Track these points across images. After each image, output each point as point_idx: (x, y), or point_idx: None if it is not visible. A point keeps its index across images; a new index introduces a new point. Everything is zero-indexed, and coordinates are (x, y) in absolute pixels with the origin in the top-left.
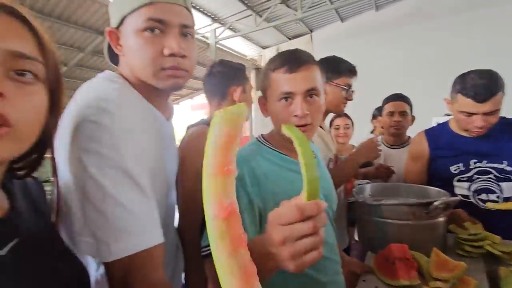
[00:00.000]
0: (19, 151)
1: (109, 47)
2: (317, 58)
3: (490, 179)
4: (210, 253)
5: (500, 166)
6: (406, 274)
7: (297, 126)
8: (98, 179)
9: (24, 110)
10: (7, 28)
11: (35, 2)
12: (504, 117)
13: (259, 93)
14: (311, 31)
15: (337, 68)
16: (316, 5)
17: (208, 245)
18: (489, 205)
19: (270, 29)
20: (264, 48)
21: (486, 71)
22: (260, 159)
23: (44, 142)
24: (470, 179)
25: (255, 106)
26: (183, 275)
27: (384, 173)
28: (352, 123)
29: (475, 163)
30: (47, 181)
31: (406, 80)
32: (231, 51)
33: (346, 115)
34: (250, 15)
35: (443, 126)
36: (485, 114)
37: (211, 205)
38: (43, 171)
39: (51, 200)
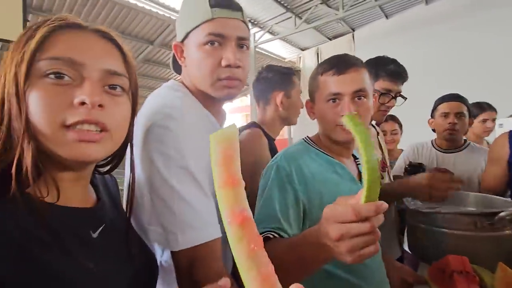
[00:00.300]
0: (110, 152)
1: (174, 59)
2: (358, 57)
3: None
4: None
5: None
6: None
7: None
8: (165, 176)
9: (117, 118)
10: (104, 50)
11: (97, 16)
12: None
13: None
14: (353, 30)
15: (375, 71)
16: (359, 3)
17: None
18: None
19: (310, 30)
20: (303, 49)
21: None
22: (307, 158)
23: (125, 144)
24: None
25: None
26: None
27: (439, 196)
28: (401, 126)
29: None
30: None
31: (462, 79)
32: (270, 54)
33: (394, 119)
34: (290, 17)
35: None
36: None
37: (224, 213)
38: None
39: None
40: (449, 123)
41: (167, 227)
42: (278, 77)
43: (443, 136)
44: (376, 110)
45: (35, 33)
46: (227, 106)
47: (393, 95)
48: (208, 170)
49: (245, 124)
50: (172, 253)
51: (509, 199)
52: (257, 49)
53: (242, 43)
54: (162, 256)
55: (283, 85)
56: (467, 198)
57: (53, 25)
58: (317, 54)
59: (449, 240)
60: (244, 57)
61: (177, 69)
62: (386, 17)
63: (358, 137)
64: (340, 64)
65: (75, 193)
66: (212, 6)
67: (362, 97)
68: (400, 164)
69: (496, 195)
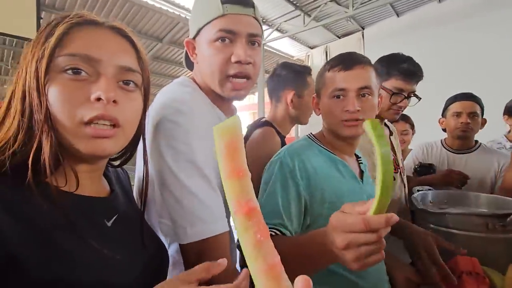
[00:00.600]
0: (122, 146)
1: (186, 55)
2: (367, 55)
3: None
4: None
5: None
6: None
7: (347, 121)
8: (174, 170)
9: (129, 113)
10: (119, 46)
11: (108, 14)
12: None
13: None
14: (363, 28)
15: (387, 69)
16: (369, 1)
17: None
18: None
19: (319, 28)
20: (312, 48)
21: None
22: (310, 154)
23: (137, 139)
24: None
25: None
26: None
27: (457, 179)
28: (413, 126)
29: None
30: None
31: (475, 79)
32: (278, 52)
33: (405, 119)
34: (299, 15)
35: None
36: None
37: (231, 203)
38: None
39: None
40: (462, 123)
41: (177, 220)
42: (290, 75)
43: (454, 134)
44: (387, 109)
45: (54, 30)
46: (236, 104)
47: (406, 95)
48: (216, 165)
49: (251, 122)
50: (181, 246)
51: None
52: (265, 47)
53: (253, 39)
54: (168, 250)
55: (295, 84)
56: (478, 199)
57: (71, 22)
58: (326, 52)
59: (459, 241)
60: (255, 54)
61: (190, 66)
62: (397, 15)
63: (377, 149)
64: (347, 60)
65: (90, 183)
66: (223, 2)
67: (367, 95)
68: (408, 164)
69: None
